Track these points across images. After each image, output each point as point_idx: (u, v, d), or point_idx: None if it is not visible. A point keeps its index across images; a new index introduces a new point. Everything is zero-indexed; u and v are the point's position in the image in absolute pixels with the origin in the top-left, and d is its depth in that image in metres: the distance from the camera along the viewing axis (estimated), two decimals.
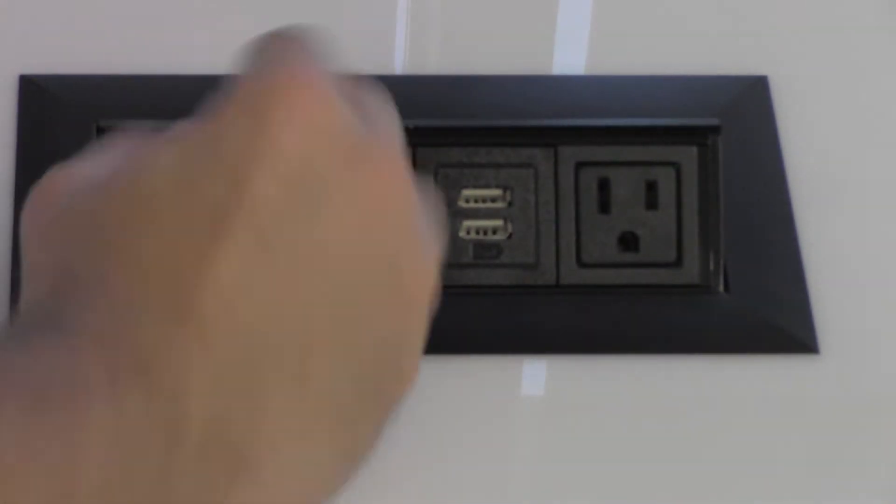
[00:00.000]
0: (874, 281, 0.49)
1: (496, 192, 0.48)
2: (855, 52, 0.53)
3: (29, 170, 0.48)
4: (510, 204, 0.48)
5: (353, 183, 0.32)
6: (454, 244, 0.48)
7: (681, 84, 0.52)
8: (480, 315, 0.48)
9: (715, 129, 0.48)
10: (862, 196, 0.51)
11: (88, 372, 0.28)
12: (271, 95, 0.32)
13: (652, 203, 0.48)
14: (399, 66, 0.53)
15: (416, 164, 0.48)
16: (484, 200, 0.48)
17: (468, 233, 0.48)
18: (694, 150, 0.48)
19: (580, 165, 0.48)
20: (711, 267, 0.48)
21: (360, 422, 0.33)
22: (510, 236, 0.48)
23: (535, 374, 0.48)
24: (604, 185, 0.48)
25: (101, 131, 0.48)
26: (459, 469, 0.46)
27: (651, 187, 0.48)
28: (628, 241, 0.48)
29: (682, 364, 0.48)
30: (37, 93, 0.50)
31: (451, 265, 0.48)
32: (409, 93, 0.50)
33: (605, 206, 0.48)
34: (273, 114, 0.31)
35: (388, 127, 0.36)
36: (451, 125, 0.48)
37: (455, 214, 0.48)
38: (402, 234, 0.34)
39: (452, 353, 0.48)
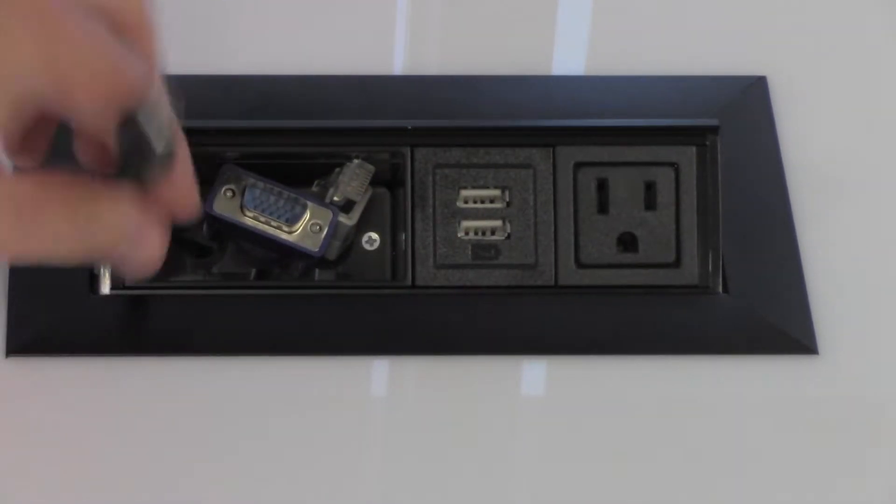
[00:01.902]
0: (873, 282, 0.49)
1: (495, 192, 0.48)
2: (854, 52, 0.53)
3: None
4: (508, 204, 0.48)
5: None
6: (452, 245, 0.48)
7: (681, 84, 0.52)
8: (479, 316, 0.48)
9: (713, 130, 0.48)
10: (861, 196, 0.51)
11: None
12: None
13: (651, 203, 0.48)
14: (399, 66, 0.53)
15: (415, 164, 0.48)
16: (482, 201, 0.48)
17: (466, 233, 0.48)
18: (693, 150, 0.48)
19: (579, 166, 0.48)
20: (710, 267, 0.48)
21: None
22: (509, 237, 0.48)
23: (534, 374, 0.48)
24: (602, 186, 0.48)
25: None
26: (459, 469, 0.46)
27: (650, 188, 0.48)
28: (627, 242, 0.48)
29: (681, 364, 0.48)
30: None
31: (450, 266, 0.48)
32: (408, 93, 0.50)
33: (603, 207, 0.48)
34: None
35: None
36: (450, 125, 0.48)
37: (453, 215, 0.48)
38: None
39: (451, 353, 0.48)
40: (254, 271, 0.48)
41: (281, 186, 0.46)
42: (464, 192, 0.48)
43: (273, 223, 0.46)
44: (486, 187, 0.48)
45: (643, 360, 0.48)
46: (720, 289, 0.48)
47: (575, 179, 0.48)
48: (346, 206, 0.47)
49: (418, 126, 0.48)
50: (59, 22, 0.33)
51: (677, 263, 0.48)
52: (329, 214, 0.46)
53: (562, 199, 0.48)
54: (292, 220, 0.46)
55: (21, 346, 0.47)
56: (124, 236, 0.37)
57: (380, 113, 0.50)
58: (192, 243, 0.48)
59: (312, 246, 0.46)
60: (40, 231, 0.35)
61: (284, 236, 0.46)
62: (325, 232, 0.46)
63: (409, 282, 0.48)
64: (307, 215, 0.46)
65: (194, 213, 0.39)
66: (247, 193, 0.46)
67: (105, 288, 0.47)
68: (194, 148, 0.47)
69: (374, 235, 0.49)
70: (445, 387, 0.47)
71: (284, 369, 0.47)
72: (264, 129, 0.48)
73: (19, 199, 0.34)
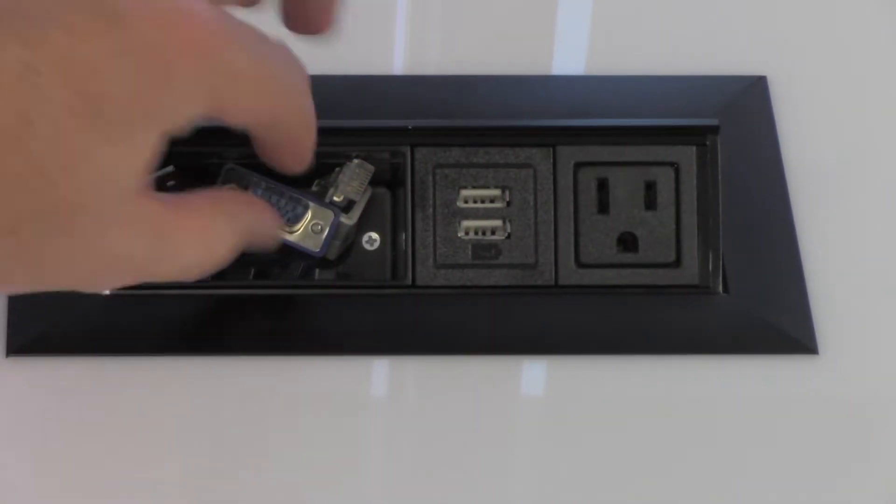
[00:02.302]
0: (873, 282, 0.49)
1: (495, 192, 0.48)
2: (854, 52, 0.53)
3: None
4: (509, 204, 0.48)
5: None
6: (453, 245, 0.48)
7: (681, 84, 0.52)
8: (479, 315, 0.48)
9: (714, 129, 0.48)
10: (861, 196, 0.51)
11: None
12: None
13: (651, 203, 0.48)
14: (399, 66, 0.53)
15: (415, 164, 0.48)
16: (482, 200, 0.48)
17: (466, 233, 0.48)
18: (693, 150, 0.48)
19: (579, 165, 0.48)
20: (710, 267, 0.48)
21: None
22: (509, 236, 0.48)
23: (534, 374, 0.48)
24: (602, 185, 0.48)
25: None
26: (459, 469, 0.46)
27: (650, 187, 0.48)
28: (627, 242, 0.48)
29: (681, 364, 0.48)
30: None
31: (450, 265, 0.48)
32: (408, 93, 0.50)
33: (603, 207, 0.48)
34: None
35: None
36: (450, 125, 0.48)
37: (454, 214, 0.48)
38: None
39: (452, 353, 0.48)
40: (252, 271, 0.48)
41: (283, 186, 0.46)
42: (464, 192, 0.48)
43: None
44: (487, 187, 0.48)
45: (643, 360, 0.48)
46: (720, 289, 0.48)
47: (575, 179, 0.48)
48: (346, 206, 0.47)
49: (418, 126, 0.48)
50: (220, 54, 0.35)
51: (677, 263, 0.48)
52: (330, 215, 0.46)
53: (562, 198, 0.48)
54: (293, 220, 0.46)
55: (21, 346, 0.47)
56: (263, 237, 0.43)
57: (380, 113, 0.50)
58: None
59: (313, 246, 0.46)
60: (176, 253, 0.37)
61: (285, 236, 0.46)
62: (326, 232, 0.46)
63: (409, 281, 0.48)
64: (308, 215, 0.46)
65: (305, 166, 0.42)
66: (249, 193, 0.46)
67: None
68: (196, 148, 0.47)
69: (375, 235, 0.49)
70: (445, 387, 0.47)
71: (284, 369, 0.47)
72: None
73: (160, 220, 0.36)
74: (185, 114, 0.35)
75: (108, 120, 0.34)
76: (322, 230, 0.46)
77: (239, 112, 0.37)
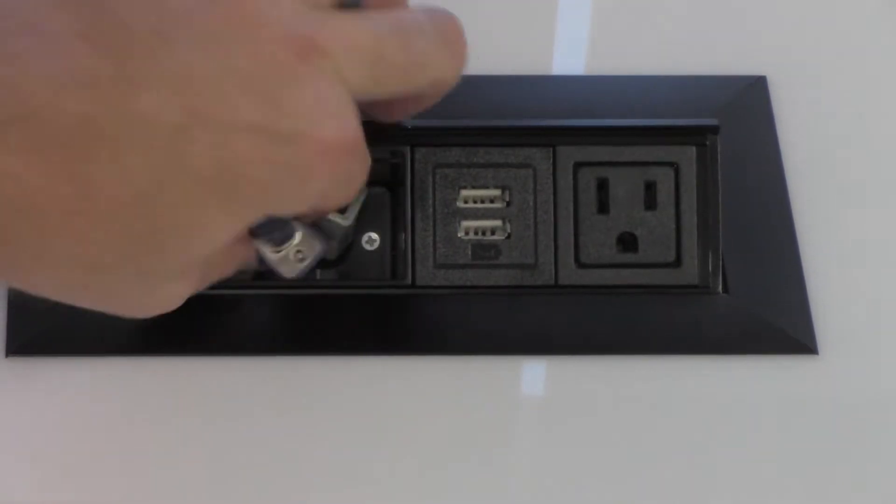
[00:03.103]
0: (873, 282, 0.49)
1: (495, 192, 0.48)
2: (854, 52, 0.53)
3: None
4: (508, 204, 0.48)
5: None
6: (452, 244, 0.48)
7: (680, 84, 0.52)
8: (479, 315, 0.48)
9: (713, 129, 0.48)
10: (861, 196, 0.51)
11: None
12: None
13: (650, 203, 0.48)
14: None
15: (415, 164, 0.48)
16: (482, 201, 0.48)
17: (466, 233, 0.48)
18: (693, 150, 0.48)
19: (579, 165, 0.48)
20: (710, 267, 0.48)
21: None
22: (509, 237, 0.48)
23: (534, 374, 0.48)
24: (602, 186, 0.48)
25: None
26: (459, 469, 0.46)
27: (650, 187, 0.48)
28: (627, 242, 0.48)
29: (680, 364, 0.48)
30: None
31: (450, 265, 0.48)
32: None
33: (603, 207, 0.48)
34: None
35: None
36: (450, 125, 0.48)
37: (453, 214, 0.48)
38: None
39: (452, 353, 0.48)
40: (253, 271, 0.48)
41: None
42: (464, 192, 0.48)
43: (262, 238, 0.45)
44: (486, 187, 0.48)
45: (643, 360, 0.48)
46: (720, 289, 0.48)
47: (575, 179, 0.48)
48: (342, 207, 0.46)
49: (418, 126, 0.48)
50: (351, 166, 0.36)
51: (677, 263, 0.48)
52: (316, 246, 0.45)
53: (562, 198, 0.48)
54: (280, 241, 0.44)
55: (21, 346, 0.47)
56: None
57: None
58: None
59: (288, 273, 0.44)
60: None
61: (266, 253, 0.44)
62: (305, 263, 0.44)
63: (408, 281, 0.48)
64: (295, 240, 0.44)
65: None
66: None
67: None
68: None
69: (374, 235, 0.49)
70: (445, 387, 0.47)
71: (284, 369, 0.47)
72: None
73: None
74: (297, 208, 0.37)
75: (237, 200, 0.34)
76: (303, 260, 0.44)
77: (326, 210, 0.40)
